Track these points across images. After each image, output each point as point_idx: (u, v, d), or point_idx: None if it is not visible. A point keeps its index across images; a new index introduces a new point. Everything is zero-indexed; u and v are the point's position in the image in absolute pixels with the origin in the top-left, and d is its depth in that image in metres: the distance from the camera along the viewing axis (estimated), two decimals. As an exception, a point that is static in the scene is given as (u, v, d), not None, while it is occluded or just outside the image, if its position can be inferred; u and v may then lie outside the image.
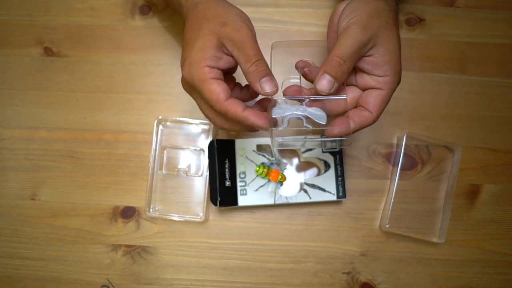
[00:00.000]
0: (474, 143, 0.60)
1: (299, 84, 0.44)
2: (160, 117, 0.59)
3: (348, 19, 0.41)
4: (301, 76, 0.45)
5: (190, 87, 0.43)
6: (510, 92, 0.61)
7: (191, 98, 0.46)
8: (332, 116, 0.43)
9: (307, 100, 0.42)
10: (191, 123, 0.60)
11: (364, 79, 0.43)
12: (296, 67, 0.45)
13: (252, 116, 0.40)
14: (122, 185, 0.59)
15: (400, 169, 0.59)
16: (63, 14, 0.61)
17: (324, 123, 0.41)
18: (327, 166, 0.58)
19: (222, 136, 0.60)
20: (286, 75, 0.45)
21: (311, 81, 0.44)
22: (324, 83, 0.40)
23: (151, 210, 0.59)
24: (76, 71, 0.61)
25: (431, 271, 0.59)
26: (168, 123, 0.60)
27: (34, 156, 0.60)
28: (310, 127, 0.42)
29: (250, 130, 0.43)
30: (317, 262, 0.59)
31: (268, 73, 0.40)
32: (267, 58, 0.42)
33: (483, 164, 0.60)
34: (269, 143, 0.58)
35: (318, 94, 0.42)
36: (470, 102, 0.61)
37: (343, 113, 0.43)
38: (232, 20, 0.41)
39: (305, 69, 0.44)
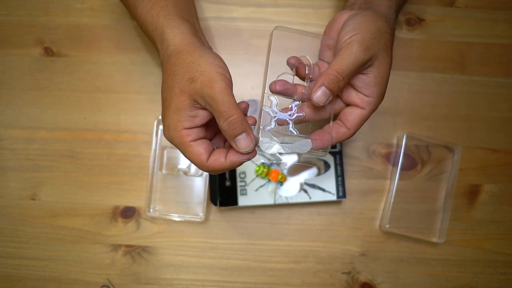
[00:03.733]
0: (474, 143, 0.60)
1: (290, 82, 0.44)
2: (160, 117, 0.59)
3: (351, 35, 0.42)
4: (294, 73, 0.45)
5: (173, 144, 0.42)
6: (510, 92, 0.61)
7: None
8: (314, 121, 0.44)
9: (297, 102, 0.43)
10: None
11: (350, 94, 0.44)
12: (288, 63, 0.45)
13: (237, 159, 0.40)
14: (122, 185, 0.59)
15: (400, 169, 0.59)
16: (63, 14, 0.61)
17: (308, 149, 0.42)
18: (327, 166, 0.58)
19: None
20: (283, 59, 0.45)
21: (303, 77, 0.45)
22: (321, 95, 0.41)
23: (151, 210, 0.59)
24: (76, 71, 0.61)
25: (431, 271, 0.59)
26: (168, 123, 0.60)
27: (34, 156, 0.60)
28: (295, 132, 0.43)
29: (241, 164, 0.43)
30: (317, 262, 0.59)
31: (243, 129, 0.39)
32: (266, 42, 0.42)
33: (483, 164, 0.60)
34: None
35: (304, 94, 0.43)
36: (470, 102, 0.61)
37: (327, 120, 0.44)
38: (202, 73, 0.39)
39: (297, 63, 0.44)
